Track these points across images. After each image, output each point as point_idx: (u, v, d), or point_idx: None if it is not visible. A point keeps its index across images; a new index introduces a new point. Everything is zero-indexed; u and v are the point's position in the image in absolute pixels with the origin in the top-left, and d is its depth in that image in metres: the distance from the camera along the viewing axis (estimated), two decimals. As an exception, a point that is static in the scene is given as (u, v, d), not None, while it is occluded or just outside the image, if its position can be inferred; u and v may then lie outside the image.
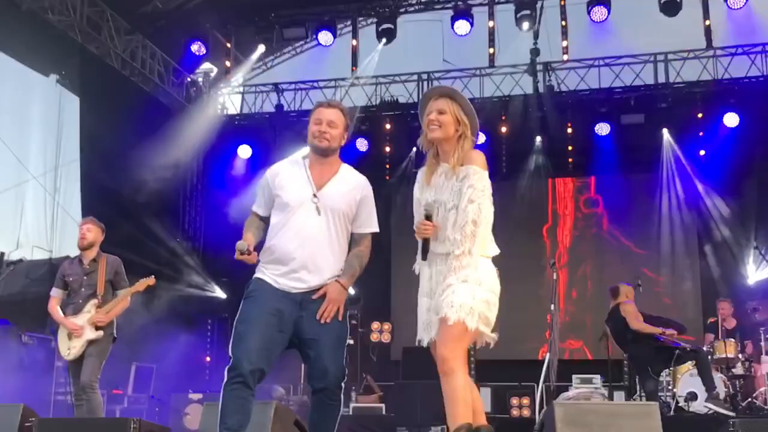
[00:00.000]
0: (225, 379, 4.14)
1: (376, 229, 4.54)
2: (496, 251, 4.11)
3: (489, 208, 4.04)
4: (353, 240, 4.52)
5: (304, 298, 4.28)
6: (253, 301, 4.26)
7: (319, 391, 4.30)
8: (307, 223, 4.32)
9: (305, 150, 4.61)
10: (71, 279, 7.30)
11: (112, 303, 7.18)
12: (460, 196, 4.03)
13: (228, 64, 15.32)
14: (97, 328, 7.07)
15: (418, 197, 4.27)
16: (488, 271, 4.04)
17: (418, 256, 4.21)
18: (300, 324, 4.25)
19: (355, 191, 4.47)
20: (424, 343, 4.13)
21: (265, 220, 4.51)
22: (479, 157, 4.14)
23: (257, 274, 4.36)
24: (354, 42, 14.89)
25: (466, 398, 3.89)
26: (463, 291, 3.91)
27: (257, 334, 4.16)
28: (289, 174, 4.44)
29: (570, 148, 14.39)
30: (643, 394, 9.62)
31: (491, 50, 14.27)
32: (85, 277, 7.27)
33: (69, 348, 7.10)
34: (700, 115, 13.76)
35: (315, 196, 4.34)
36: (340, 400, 4.35)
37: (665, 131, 14.00)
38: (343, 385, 4.34)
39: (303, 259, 4.29)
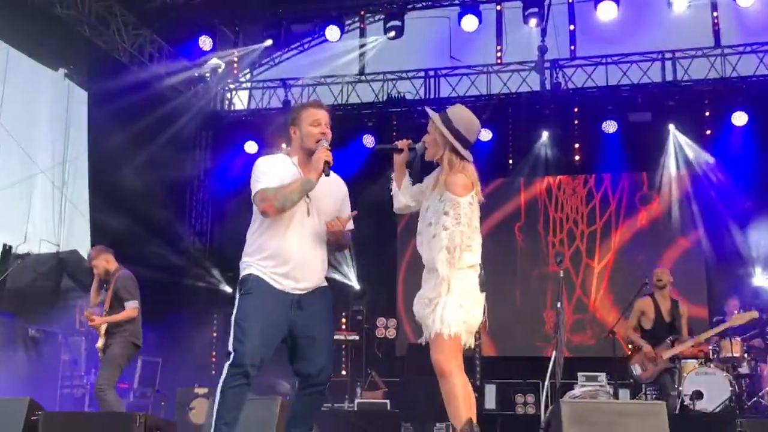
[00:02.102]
0: (225, 375, 4.21)
1: (352, 227, 4.68)
2: (476, 261, 4.28)
3: (463, 233, 4.18)
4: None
5: (301, 297, 4.39)
6: (253, 298, 4.32)
7: (313, 386, 4.42)
8: (301, 224, 4.42)
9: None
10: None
11: (113, 316, 7.82)
12: (438, 216, 4.23)
13: (235, 59, 15.33)
14: (107, 336, 7.76)
15: (410, 203, 4.60)
16: (468, 281, 4.22)
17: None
18: (296, 322, 4.36)
19: (339, 191, 4.62)
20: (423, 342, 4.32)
21: None
22: (458, 182, 4.25)
23: (253, 271, 4.39)
24: (361, 38, 14.87)
25: (465, 395, 4.13)
26: (450, 305, 4.14)
27: (259, 331, 4.23)
28: (284, 171, 4.47)
29: (576, 145, 14.36)
30: (649, 391, 9.63)
31: (498, 48, 14.25)
32: (105, 293, 8.03)
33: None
34: (707, 114, 13.73)
35: (308, 197, 4.40)
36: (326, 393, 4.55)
37: (672, 129, 13.90)
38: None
39: (300, 260, 4.39)
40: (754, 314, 9.45)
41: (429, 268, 4.29)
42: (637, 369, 9.40)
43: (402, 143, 4.54)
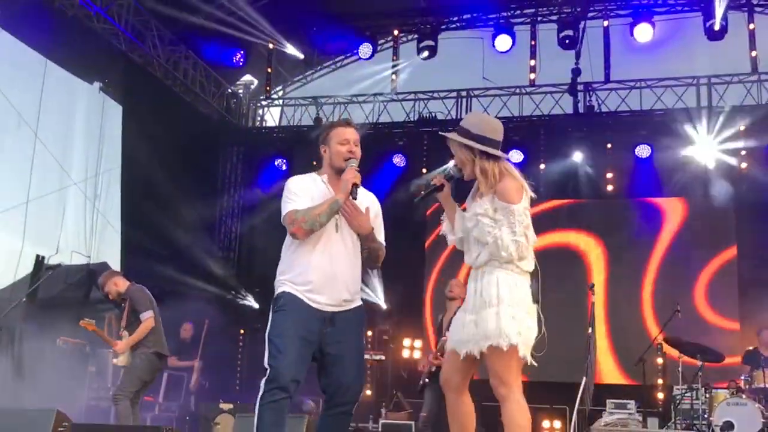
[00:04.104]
0: (262, 391, 4.20)
1: (384, 243, 4.64)
2: (529, 268, 4.10)
3: (519, 243, 3.98)
4: None
5: (333, 314, 4.38)
6: (286, 314, 4.32)
7: (339, 405, 4.41)
8: (332, 240, 4.42)
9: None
10: None
11: (134, 336, 7.88)
12: (485, 225, 4.04)
13: (268, 74, 15.43)
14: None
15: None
16: (520, 291, 4.02)
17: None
18: (326, 339, 4.35)
19: (370, 208, 4.56)
20: (462, 355, 4.09)
21: None
22: (511, 187, 4.07)
23: (285, 289, 4.39)
24: (394, 57, 14.92)
25: (528, 424, 3.94)
26: (504, 315, 3.93)
27: (294, 347, 4.23)
28: (315, 190, 4.48)
29: (609, 169, 14.25)
30: (679, 419, 9.47)
31: (532, 71, 14.23)
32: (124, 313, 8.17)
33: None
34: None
35: (337, 212, 4.40)
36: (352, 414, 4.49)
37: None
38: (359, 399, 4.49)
39: (331, 277, 4.38)
40: None
41: (478, 268, 4.09)
42: None
43: (437, 180, 4.32)
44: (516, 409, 3.94)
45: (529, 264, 4.09)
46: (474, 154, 4.11)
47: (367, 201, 4.58)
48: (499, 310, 3.93)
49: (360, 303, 4.56)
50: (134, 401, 7.73)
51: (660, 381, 11.89)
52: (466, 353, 4.04)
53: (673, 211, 13.95)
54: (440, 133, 4.48)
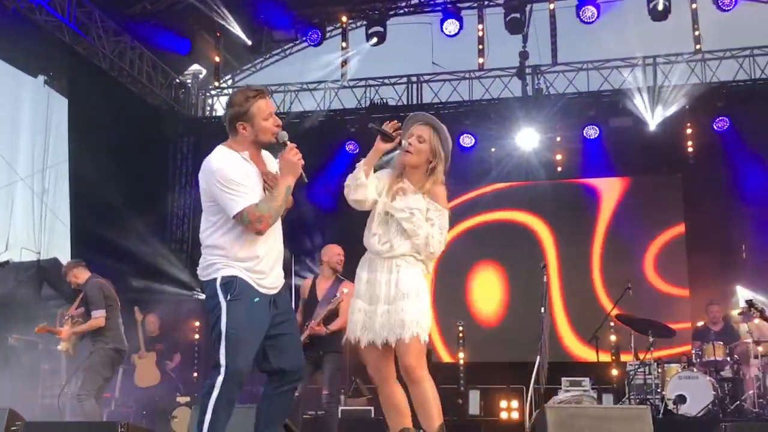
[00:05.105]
0: (218, 391, 4.00)
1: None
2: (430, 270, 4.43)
3: (441, 243, 4.33)
4: None
5: (275, 296, 4.32)
6: (241, 305, 4.12)
7: (288, 383, 4.35)
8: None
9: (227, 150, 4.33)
10: None
11: (77, 328, 8.00)
12: (419, 217, 4.28)
13: (217, 63, 15.29)
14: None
15: (375, 197, 4.41)
16: (424, 284, 4.34)
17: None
18: (274, 322, 4.28)
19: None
20: (363, 344, 4.33)
21: None
22: (443, 194, 4.39)
23: (235, 272, 4.15)
24: (344, 44, 14.87)
25: (437, 400, 4.22)
26: (426, 310, 4.25)
27: (253, 343, 4.14)
28: (248, 172, 4.23)
29: (558, 150, 14.40)
30: (633, 395, 9.64)
31: (481, 55, 14.30)
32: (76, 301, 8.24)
33: None
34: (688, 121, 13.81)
35: (265, 191, 4.24)
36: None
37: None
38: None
39: (274, 260, 4.32)
40: None
41: (392, 259, 4.29)
42: None
43: (395, 133, 4.35)
44: (431, 387, 4.23)
45: (431, 267, 4.42)
46: (438, 153, 4.38)
47: (274, 164, 4.39)
48: (417, 302, 4.22)
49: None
50: (96, 397, 7.74)
51: (613, 358, 12.09)
52: (383, 342, 4.24)
53: (621, 189, 14.17)
54: (435, 119, 4.49)
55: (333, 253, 7.80)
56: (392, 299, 4.22)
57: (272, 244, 4.30)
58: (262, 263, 4.22)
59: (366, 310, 4.30)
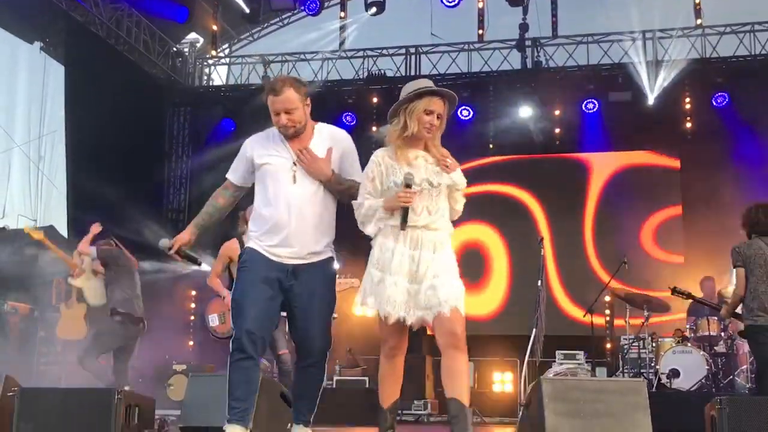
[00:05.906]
0: (230, 351, 4.24)
1: (360, 180, 4.38)
2: None
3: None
4: None
5: (296, 267, 4.34)
6: (247, 272, 4.33)
7: (305, 361, 4.43)
8: (293, 193, 4.33)
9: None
10: None
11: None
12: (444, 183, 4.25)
13: (214, 31, 15.19)
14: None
15: (383, 171, 4.26)
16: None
17: (392, 225, 4.21)
18: (291, 293, 4.33)
19: (334, 148, 4.44)
20: (408, 322, 4.16)
21: (240, 189, 4.60)
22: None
23: (249, 244, 4.41)
24: (342, 14, 14.76)
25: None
26: (457, 280, 4.20)
27: (254, 305, 4.24)
28: (269, 144, 4.46)
29: (557, 124, 14.34)
30: (626, 368, 9.69)
31: (481, 27, 14.21)
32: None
33: None
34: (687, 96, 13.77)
35: (294, 164, 4.36)
36: (324, 370, 4.48)
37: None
38: (328, 354, 4.46)
39: (292, 228, 4.32)
40: None
41: (435, 231, 4.24)
42: (214, 320, 7.97)
43: (408, 202, 4.16)
44: (467, 360, 4.18)
45: None
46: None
47: (330, 141, 4.45)
48: (457, 275, 4.21)
49: (329, 255, 4.49)
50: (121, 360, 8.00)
51: (607, 331, 12.12)
52: (434, 316, 4.11)
53: (618, 164, 14.11)
54: (448, 91, 4.31)
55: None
56: (436, 274, 4.14)
57: (287, 213, 4.31)
58: (272, 233, 4.33)
59: (408, 288, 4.15)
